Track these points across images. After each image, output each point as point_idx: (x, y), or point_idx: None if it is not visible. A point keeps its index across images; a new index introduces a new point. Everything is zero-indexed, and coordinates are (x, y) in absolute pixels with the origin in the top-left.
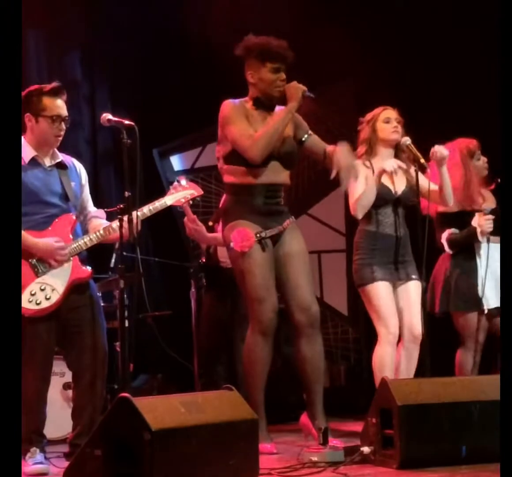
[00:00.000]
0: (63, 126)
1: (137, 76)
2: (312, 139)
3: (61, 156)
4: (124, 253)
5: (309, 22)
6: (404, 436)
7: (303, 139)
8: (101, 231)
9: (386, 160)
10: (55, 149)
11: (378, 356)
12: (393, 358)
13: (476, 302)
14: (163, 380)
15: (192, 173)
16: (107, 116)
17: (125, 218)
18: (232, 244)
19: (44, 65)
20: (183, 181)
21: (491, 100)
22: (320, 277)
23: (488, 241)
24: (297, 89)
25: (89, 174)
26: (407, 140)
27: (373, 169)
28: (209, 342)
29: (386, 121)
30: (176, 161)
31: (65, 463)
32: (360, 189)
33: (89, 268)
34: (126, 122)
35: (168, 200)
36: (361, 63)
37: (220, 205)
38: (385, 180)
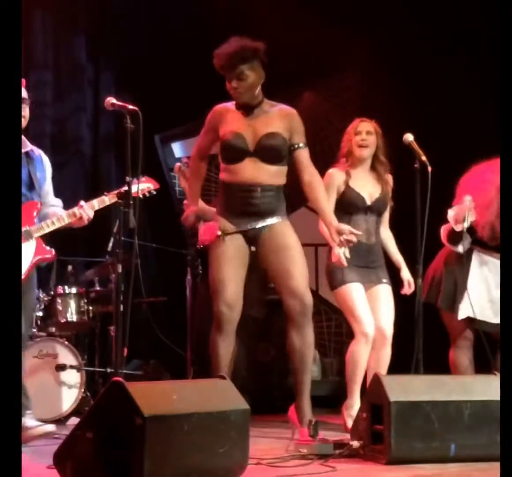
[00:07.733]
0: (26, 111)
1: (142, 61)
2: (300, 154)
3: (30, 146)
4: (122, 238)
5: (311, 16)
6: (394, 432)
7: (292, 148)
8: (64, 215)
9: (360, 174)
10: (25, 139)
11: (350, 352)
12: (366, 356)
13: (455, 305)
14: (156, 366)
15: None
16: (111, 100)
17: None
18: None
19: (50, 48)
20: (143, 178)
21: (491, 100)
22: (316, 270)
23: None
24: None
25: (89, 158)
26: (409, 136)
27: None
28: (202, 330)
29: (357, 134)
30: (177, 148)
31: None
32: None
33: (52, 249)
34: (130, 107)
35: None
36: (365, 55)
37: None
38: (359, 187)
